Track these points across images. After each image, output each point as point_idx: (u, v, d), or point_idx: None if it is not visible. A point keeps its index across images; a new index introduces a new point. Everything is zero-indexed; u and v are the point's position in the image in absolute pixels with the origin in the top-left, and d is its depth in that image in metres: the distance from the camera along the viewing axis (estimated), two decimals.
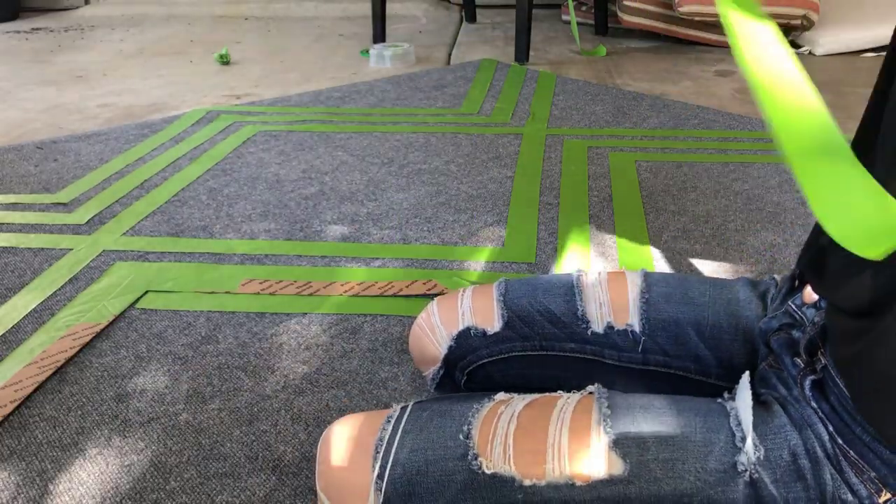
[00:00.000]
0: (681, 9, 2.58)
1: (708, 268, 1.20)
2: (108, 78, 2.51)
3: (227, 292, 1.15)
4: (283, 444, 0.84)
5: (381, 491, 0.56)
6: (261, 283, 1.17)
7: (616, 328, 0.72)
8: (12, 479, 0.79)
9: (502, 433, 0.58)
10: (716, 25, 2.71)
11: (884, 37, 2.66)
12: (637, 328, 0.72)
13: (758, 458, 0.54)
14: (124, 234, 1.35)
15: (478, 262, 1.24)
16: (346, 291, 1.14)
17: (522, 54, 2.58)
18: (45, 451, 0.83)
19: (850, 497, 0.52)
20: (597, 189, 1.52)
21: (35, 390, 0.93)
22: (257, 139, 1.87)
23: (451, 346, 0.75)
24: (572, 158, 1.68)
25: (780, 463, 0.54)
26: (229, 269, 1.22)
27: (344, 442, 0.60)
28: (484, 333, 0.74)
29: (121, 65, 2.69)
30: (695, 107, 2.05)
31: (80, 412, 0.89)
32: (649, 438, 0.55)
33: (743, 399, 0.56)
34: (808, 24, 2.68)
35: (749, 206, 1.43)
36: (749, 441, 0.54)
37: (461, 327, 0.75)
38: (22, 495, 0.77)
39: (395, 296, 1.13)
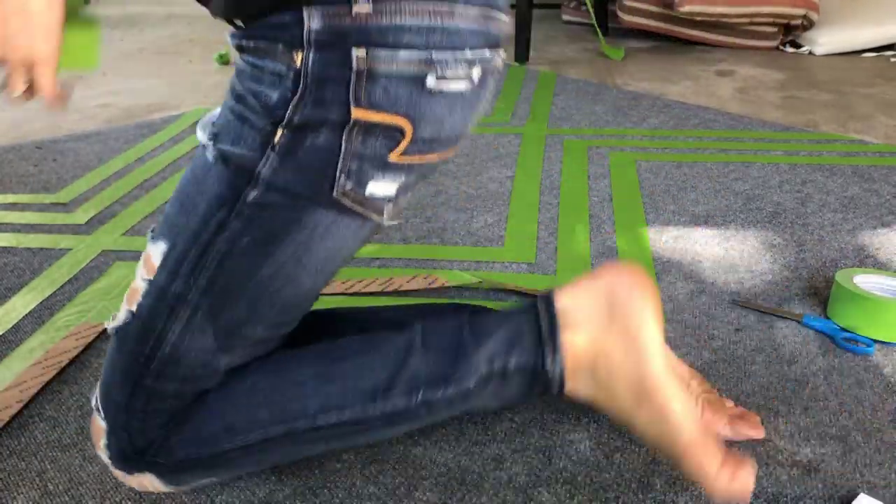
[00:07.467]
0: (681, 8, 2.58)
1: (708, 267, 1.20)
2: (108, 77, 2.51)
3: None
4: None
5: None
6: None
7: None
8: (12, 479, 0.79)
9: None
10: (716, 25, 2.71)
11: (884, 37, 2.67)
12: None
13: (212, 132, 0.64)
14: (124, 233, 1.35)
15: (478, 262, 1.23)
16: (346, 290, 1.14)
17: (522, 54, 2.58)
18: (45, 451, 0.83)
19: (276, 89, 0.58)
20: (597, 189, 1.52)
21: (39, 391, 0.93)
22: None
23: None
24: (572, 158, 1.68)
25: (227, 124, 0.63)
26: None
27: None
28: None
29: (121, 64, 2.69)
30: (695, 107, 2.05)
31: (80, 412, 0.89)
32: (168, 212, 0.67)
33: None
34: (808, 24, 2.68)
35: (749, 206, 1.43)
36: (199, 132, 0.65)
37: None
38: (22, 495, 0.77)
39: (395, 292, 1.13)
